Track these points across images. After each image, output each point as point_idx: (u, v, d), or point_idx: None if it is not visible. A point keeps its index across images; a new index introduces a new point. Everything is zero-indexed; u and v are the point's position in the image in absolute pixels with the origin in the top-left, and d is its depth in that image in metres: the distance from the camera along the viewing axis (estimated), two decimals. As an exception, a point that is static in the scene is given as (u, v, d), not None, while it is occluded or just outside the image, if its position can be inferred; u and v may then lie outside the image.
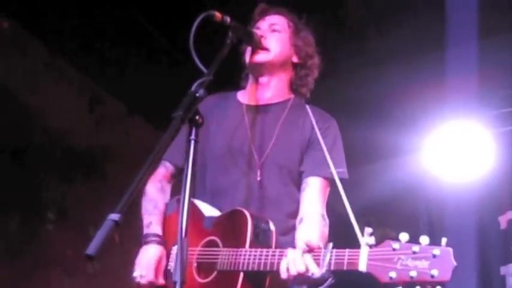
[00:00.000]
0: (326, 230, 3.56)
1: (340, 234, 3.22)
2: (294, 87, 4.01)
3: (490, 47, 6.24)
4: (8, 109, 6.20)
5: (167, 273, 3.59)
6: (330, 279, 3.03)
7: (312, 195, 3.64)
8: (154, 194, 3.87)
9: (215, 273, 3.39)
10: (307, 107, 3.89)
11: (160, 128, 3.72)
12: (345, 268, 2.90)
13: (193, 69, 3.22)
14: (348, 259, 2.90)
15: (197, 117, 2.87)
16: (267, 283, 3.32)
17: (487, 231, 6.86)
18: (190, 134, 2.86)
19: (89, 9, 6.30)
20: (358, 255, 2.85)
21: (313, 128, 3.76)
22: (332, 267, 2.96)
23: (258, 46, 3.79)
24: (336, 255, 2.96)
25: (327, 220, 3.60)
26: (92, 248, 2.32)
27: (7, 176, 6.10)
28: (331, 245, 3.03)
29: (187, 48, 3.34)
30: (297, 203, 3.70)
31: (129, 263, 3.79)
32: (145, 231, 3.74)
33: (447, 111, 6.94)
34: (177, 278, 2.61)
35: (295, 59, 3.98)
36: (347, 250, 2.93)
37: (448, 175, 7.17)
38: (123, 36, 6.65)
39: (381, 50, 6.57)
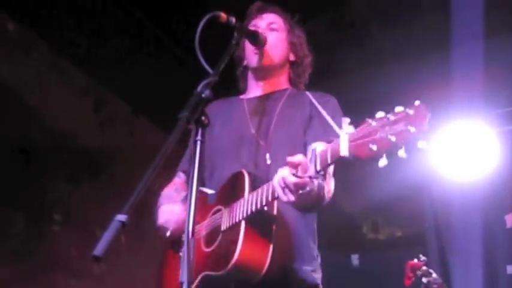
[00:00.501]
0: (330, 182, 3.56)
1: (344, 233, 3.22)
2: (292, 82, 4.07)
3: (495, 46, 6.24)
4: (13, 110, 6.20)
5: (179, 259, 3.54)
6: (320, 179, 3.08)
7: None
8: (169, 191, 3.94)
9: (220, 235, 3.40)
10: (307, 92, 3.85)
11: (166, 128, 3.73)
12: (329, 161, 2.85)
13: (199, 70, 3.23)
14: (331, 151, 2.85)
15: (203, 117, 2.88)
16: (273, 229, 3.32)
17: (493, 230, 6.85)
18: (196, 134, 2.87)
19: (93, 10, 6.30)
20: (338, 143, 2.79)
21: (311, 103, 3.70)
22: (318, 166, 2.91)
23: (262, 46, 3.81)
24: (320, 154, 2.92)
25: (332, 177, 3.59)
26: (99, 249, 2.33)
27: (13, 177, 6.10)
28: (315, 147, 3.06)
29: (192, 49, 3.34)
30: None
31: (136, 264, 3.80)
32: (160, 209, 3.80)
33: (452, 110, 6.93)
34: (184, 278, 2.62)
35: (292, 57, 4.05)
36: (329, 145, 2.89)
37: (453, 174, 7.18)
38: (128, 37, 6.66)
39: (385, 49, 6.57)
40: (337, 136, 3.11)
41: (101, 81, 7.03)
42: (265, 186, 3.21)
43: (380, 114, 2.69)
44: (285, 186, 3.05)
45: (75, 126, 6.79)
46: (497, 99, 6.87)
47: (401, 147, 2.58)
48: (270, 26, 3.97)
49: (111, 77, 6.93)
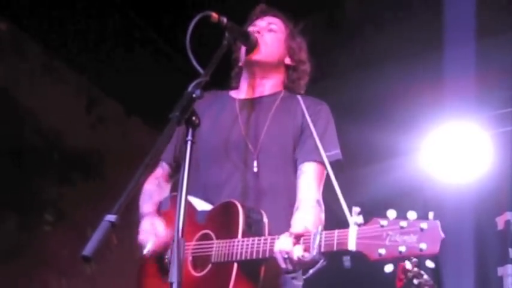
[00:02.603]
0: (321, 216, 3.56)
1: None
2: (285, 86, 4.05)
3: (487, 48, 6.24)
4: (4, 110, 6.19)
5: (166, 267, 3.56)
6: (321, 261, 3.04)
7: (307, 181, 3.65)
8: (151, 188, 3.90)
9: (210, 265, 3.40)
10: (298, 96, 3.93)
11: (158, 129, 3.72)
12: (335, 249, 2.93)
13: (191, 70, 3.23)
14: (338, 239, 2.92)
15: (194, 118, 2.89)
16: (262, 272, 3.33)
17: (485, 232, 6.86)
18: (187, 134, 2.88)
19: (86, 11, 6.30)
20: (347, 235, 2.87)
21: (303, 115, 3.80)
22: (322, 249, 2.98)
23: (254, 46, 3.81)
24: (326, 237, 2.99)
25: (323, 206, 3.61)
26: (88, 249, 2.33)
27: (5, 177, 6.09)
28: (320, 227, 3.07)
29: (184, 49, 3.34)
30: (295, 190, 3.70)
31: (127, 264, 3.80)
32: (142, 214, 3.78)
33: (445, 112, 6.94)
34: (173, 278, 2.61)
35: (287, 61, 4.04)
36: (336, 231, 2.95)
37: (445, 176, 7.18)
38: (121, 38, 6.65)
39: (378, 51, 6.57)
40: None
41: (93, 82, 7.02)
42: (262, 241, 3.25)
43: (391, 214, 2.78)
44: (288, 258, 3.11)
45: (67, 127, 6.78)
46: (490, 101, 6.88)
47: (409, 260, 2.73)
48: (269, 26, 3.99)
49: (103, 77, 6.93)
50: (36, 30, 6.40)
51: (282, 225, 3.47)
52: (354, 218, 2.88)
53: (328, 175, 3.57)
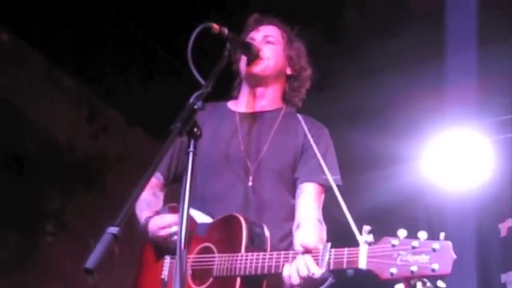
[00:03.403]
0: (324, 234, 3.57)
1: (339, 242, 3.21)
2: (286, 97, 4.05)
3: (489, 55, 6.24)
4: (6, 120, 6.20)
5: (162, 283, 3.57)
6: (330, 279, 3.03)
7: (308, 201, 3.66)
8: (147, 196, 3.87)
9: (211, 279, 3.39)
10: (299, 115, 3.94)
11: (160, 139, 3.73)
12: (344, 267, 2.93)
13: (193, 80, 3.23)
14: (348, 257, 2.93)
15: (195, 129, 2.88)
16: (264, 287, 3.33)
17: (487, 239, 6.84)
18: (188, 146, 2.88)
19: (87, 21, 6.31)
20: (357, 253, 2.88)
21: (305, 135, 3.81)
22: (331, 267, 2.99)
23: (255, 57, 3.80)
24: (335, 254, 2.99)
25: (324, 225, 3.62)
26: (91, 262, 2.32)
27: (7, 188, 6.10)
28: (329, 244, 3.06)
29: (186, 59, 3.34)
30: (290, 208, 3.72)
31: (129, 274, 3.80)
32: (142, 223, 3.72)
33: (446, 119, 6.94)
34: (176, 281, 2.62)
35: (288, 71, 4.03)
36: (346, 249, 2.95)
37: (447, 183, 7.17)
38: (122, 48, 6.66)
39: (380, 59, 6.57)
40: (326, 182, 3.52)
41: (94, 92, 7.03)
42: (268, 257, 3.24)
43: (402, 233, 2.80)
44: (298, 277, 3.09)
45: (69, 137, 6.79)
46: (492, 107, 6.87)
47: (420, 280, 2.72)
48: (267, 38, 3.96)
49: (105, 87, 6.93)
50: (37, 41, 6.41)
51: (280, 242, 3.53)
52: (364, 236, 2.89)
53: (333, 197, 3.55)
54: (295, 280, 3.11)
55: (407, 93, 6.69)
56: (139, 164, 3.92)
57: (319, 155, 3.70)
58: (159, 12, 6.33)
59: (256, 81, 3.94)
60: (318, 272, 3.02)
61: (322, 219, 3.63)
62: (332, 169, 3.71)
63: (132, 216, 3.61)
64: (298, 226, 3.59)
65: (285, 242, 3.63)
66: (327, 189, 3.69)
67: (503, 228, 6.81)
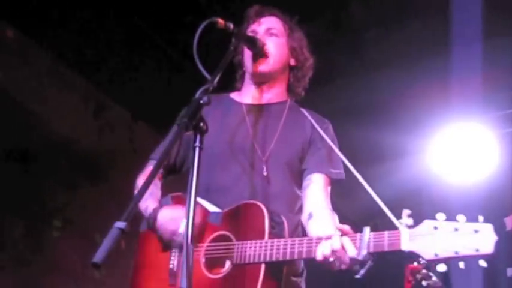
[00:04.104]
0: (338, 224, 3.50)
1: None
2: (291, 88, 4.04)
3: (494, 48, 6.24)
4: (12, 117, 6.21)
5: (170, 272, 3.49)
6: (369, 262, 3.04)
7: (318, 191, 3.68)
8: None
9: (230, 267, 3.35)
10: (303, 110, 3.94)
11: (165, 134, 3.73)
12: (386, 249, 2.94)
13: (198, 75, 3.23)
14: (389, 240, 2.94)
15: (201, 124, 2.88)
16: (284, 272, 3.34)
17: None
18: (195, 141, 2.87)
19: (92, 17, 6.31)
20: (399, 236, 2.91)
21: (313, 127, 3.82)
22: (372, 249, 2.98)
23: (260, 52, 3.80)
24: (375, 237, 2.99)
25: (336, 215, 3.61)
26: (98, 256, 2.33)
27: (12, 184, 6.11)
28: (368, 228, 3.06)
29: (191, 54, 3.34)
30: (297, 200, 3.74)
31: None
32: (146, 215, 3.63)
33: (451, 112, 6.94)
34: (183, 285, 2.61)
35: (292, 62, 4.00)
36: (386, 232, 2.97)
37: (453, 176, 7.18)
38: (127, 43, 6.66)
39: (385, 53, 6.57)
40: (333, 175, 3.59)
41: (100, 88, 7.04)
42: (297, 242, 3.21)
43: (441, 217, 2.85)
44: (336, 259, 3.07)
45: (75, 132, 6.80)
46: (497, 101, 6.87)
47: (463, 261, 2.81)
48: (270, 31, 3.91)
49: (110, 82, 6.94)
50: (43, 37, 6.41)
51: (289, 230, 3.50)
52: (405, 219, 2.92)
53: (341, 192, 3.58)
54: (333, 262, 3.10)
55: (413, 87, 6.70)
56: (145, 159, 3.92)
57: (326, 147, 3.73)
58: (165, 8, 6.34)
59: (262, 78, 3.92)
60: (353, 253, 3.02)
61: (332, 209, 3.64)
62: (337, 163, 3.74)
63: (140, 212, 3.61)
64: (310, 216, 3.59)
65: (295, 233, 3.64)
66: (333, 181, 3.72)
67: (508, 222, 6.80)
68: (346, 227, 3.14)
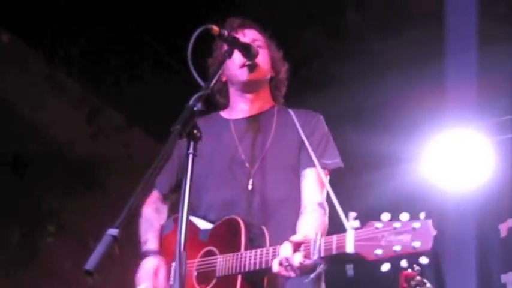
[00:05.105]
0: (324, 218, 3.65)
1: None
2: (273, 98, 4.11)
3: (489, 55, 6.25)
4: (7, 121, 6.21)
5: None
6: (321, 266, 3.18)
7: (308, 186, 3.76)
8: (150, 214, 3.99)
9: (214, 280, 3.50)
10: (290, 110, 3.99)
11: (160, 140, 3.74)
12: (334, 252, 3.06)
13: (194, 81, 3.24)
14: (336, 243, 3.05)
15: (195, 131, 2.89)
16: (265, 283, 3.43)
17: (488, 239, 6.85)
18: (188, 148, 2.88)
19: (88, 22, 6.31)
20: (345, 239, 3.00)
21: (298, 129, 3.86)
22: (322, 254, 3.10)
23: (253, 59, 3.81)
24: (325, 242, 3.11)
25: (326, 208, 3.68)
26: (90, 264, 2.34)
27: (7, 189, 6.11)
28: (319, 234, 3.19)
29: (186, 60, 3.35)
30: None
31: (129, 274, 3.84)
32: (143, 248, 3.87)
33: (447, 119, 6.95)
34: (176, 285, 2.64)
35: (272, 73, 4.08)
36: (335, 236, 3.08)
37: (447, 183, 7.18)
38: (123, 48, 6.66)
39: (380, 59, 6.58)
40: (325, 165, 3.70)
41: (94, 92, 7.04)
42: (264, 251, 3.34)
43: (385, 217, 2.93)
44: (288, 265, 3.20)
45: (70, 138, 6.80)
46: (492, 108, 6.88)
47: (404, 259, 2.84)
48: (255, 43, 3.96)
49: (105, 88, 6.94)
50: (37, 42, 6.42)
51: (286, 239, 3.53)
52: (351, 222, 2.99)
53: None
54: (282, 272, 3.24)
55: (408, 94, 6.70)
56: (140, 165, 3.94)
57: (316, 141, 3.81)
58: (160, 13, 6.34)
59: (253, 87, 3.98)
60: (308, 260, 3.15)
61: (323, 202, 3.69)
62: (330, 153, 3.84)
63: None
64: (301, 213, 3.67)
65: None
66: (331, 171, 3.79)
67: (503, 228, 6.82)
68: (300, 237, 3.26)
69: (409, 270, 6.19)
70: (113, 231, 2.40)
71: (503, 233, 6.81)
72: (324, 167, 3.74)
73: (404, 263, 2.83)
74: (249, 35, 4.00)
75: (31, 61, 6.51)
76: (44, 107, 6.58)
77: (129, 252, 3.75)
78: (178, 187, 3.97)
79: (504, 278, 6.63)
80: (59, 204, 6.62)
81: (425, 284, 5.87)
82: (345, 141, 4.36)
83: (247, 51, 3.77)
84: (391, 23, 6.35)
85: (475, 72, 6.26)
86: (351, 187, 3.84)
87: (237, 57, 3.81)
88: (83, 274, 2.35)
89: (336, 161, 3.82)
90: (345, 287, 3.99)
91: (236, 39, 3.64)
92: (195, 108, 2.94)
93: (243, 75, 3.90)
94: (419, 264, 2.86)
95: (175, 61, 6.72)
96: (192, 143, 2.88)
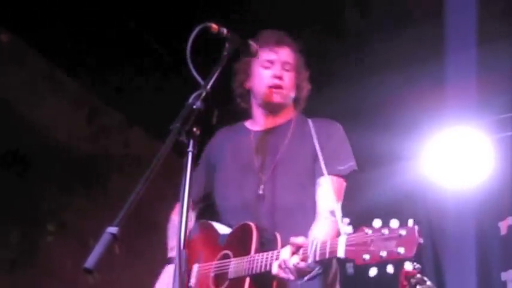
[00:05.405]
0: (334, 226, 3.65)
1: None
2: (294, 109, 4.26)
3: (488, 53, 6.25)
4: (7, 121, 6.20)
5: None
6: (316, 269, 3.34)
7: (322, 194, 3.86)
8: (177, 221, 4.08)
9: (227, 282, 3.70)
10: (309, 121, 4.12)
11: (160, 139, 3.74)
12: (327, 256, 3.20)
13: (194, 81, 3.24)
14: (330, 248, 3.20)
15: (194, 129, 2.90)
16: (274, 286, 3.57)
17: (488, 237, 6.84)
18: (187, 146, 2.89)
19: (87, 21, 6.30)
20: (337, 244, 3.13)
21: (314, 138, 3.98)
22: (317, 258, 3.24)
23: (254, 55, 3.82)
24: (320, 246, 3.26)
25: (336, 216, 3.67)
26: (90, 262, 2.34)
27: (7, 188, 6.11)
28: (316, 239, 3.35)
29: (185, 59, 3.35)
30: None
31: (130, 274, 3.88)
32: (169, 254, 4.03)
33: (446, 117, 6.94)
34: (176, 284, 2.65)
35: (295, 93, 4.21)
36: (329, 240, 3.25)
37: (447, 181, 7.17)
38: (122, 47, 6.65)
39: (380, 58, 6.57)
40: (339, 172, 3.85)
41: (94, 92, 7.03)
42: (270, 254, 3.51)
43: (376, 223, 3.04)
44: (286, 267, 3.37)
45: (70, 137, 6.80)
46: (492, 106, 6.87)
47: (389, 264, 2.96)
48: (284, 66, 4.12)
49: (105, 87, 6.93)
50: (37, 41, 6.41)
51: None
52: (344, 228, 3.14)
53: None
54: (281, 274, 3.41)
55: (407, 92, 6.70)
56: (140, 164, 3.96)
57: (330, 148, 3.92)
58: (159, 11, 6.33)
59: (275, 108, 4.16)
60: (302, 263, 3.31)
61: (335, 209, 3.71)
62: (345, 158, 3.95)
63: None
64: (314, 220, 3.79)
65: None
66: (346, 176, 3.91)
67: (503, 226, 6.81)
68: (300, 240, 3.41)
69: (410, 268, 6.19)
70: (112, 230, 2.41)
71: (503, 230, 6.80)
72: (338, 174, 3.87)
73: (390, 269, 2.94)
74: (281, 56, 4.14)
75: (30, 60, 6.51)
76: (43, 106, 6.58)
77: (130, 251, 3.77)
78: (206, 197, 4.26)
79: (504, 275, 6.62)
80: (59, 204, 6.61)
81: (425, 281, 5.87)
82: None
83: (246, 49, 3.77)
84: (391, 21, 6.35)
85: (474, 70, 6.26)
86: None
87: (266, 75, 4.07)
88: (83, 273, 2.35)
89: (351, 165, 3.94)
90: (345, 284, 4.04)
91: (234, 37, 3.64)
92: (194, 107, 2.95)
93: (268, 97, 4.11)
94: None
95: (175, 60, 6.71)
96: (191, 141, 2.89)
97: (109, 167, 7.07)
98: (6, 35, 6.28)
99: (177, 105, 3.07)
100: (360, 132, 6.46)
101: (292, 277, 3.38)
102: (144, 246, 6.09)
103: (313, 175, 3.92)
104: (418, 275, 5.94)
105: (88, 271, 2.34)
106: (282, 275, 3.40)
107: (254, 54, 3.80)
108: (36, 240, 6.40)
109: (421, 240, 2.95)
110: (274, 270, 3.41)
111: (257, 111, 4.23)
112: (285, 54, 4.15)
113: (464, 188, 7.04)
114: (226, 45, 3.56)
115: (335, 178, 3.87)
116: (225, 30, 3.52)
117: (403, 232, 2.94)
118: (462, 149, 7.10)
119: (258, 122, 4.22)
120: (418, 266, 6.12)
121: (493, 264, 6.77)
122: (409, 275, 5.94)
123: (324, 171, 3.85)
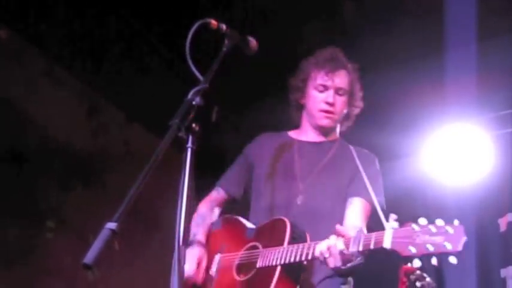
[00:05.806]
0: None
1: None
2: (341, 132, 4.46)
3: (488, 50, 6.25)
4: (6, 118, 6.20)
5: (208, 277, 4.06)
6: (358, 259, 3.51)
7: (354, 212, 4.06)
8: (204, 211, 4.37)
9: (254, 270, 3.84)
10: (351, 147, 4.30)
11: (159, 136, 3.73)
12: (372, 247, 3.33)
13: (193, 77, 3.24)
14: (375, 239, 3.33)
15: (193, 125, 2.89)
16: (301, 277, 3.75)
17: (487, 234, 6.83)
18: (187, 141, 2.89)
19: (87, 18, 6.31)
20: (383, 235, 3.28)
21: (356, 163, 4.17)
22: (361, 248, 3.39)
23: (253, 51, 3.80)
24: (365, 237, 3.40)
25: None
26: (89, 258, 2.34)
27: (6, 185, 6.11)
28: (360, 229, 3.53)
29: (185, 55, 3.35)
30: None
31: (130, 271, 3.87)
32: (191, 238, 4.14)
33: (446, 113, 6.93)
34: (174, 285, 2.63)
35: (348, 110, 4.39)
36: (374, 233, 3.38)
37: (447, 178, 7.17)
38: (122, 44, 6.65)
39: (379, 55, 6.57)
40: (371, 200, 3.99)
41: (94, 89, 7.03)
42: (306, 245, 3.65)
43: (423, 221, 3.19)
44: (331, 253, 3.49)
45: (69, 134, 6.80)
46: (492, 102, 6.87)
47: (435, 257, 3.13)
48: (338, 91, 4.26)
49: (105, 84, 6.93)
50: (36, 38, 6.40)
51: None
52: (391, 223, 3.27)
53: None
54: (322, 257, 3.52)
55: (407, 88, 6.70)
56: (139, 161, 3.93)
57: (366, 179, 4.06)
58: (159, 8, 6.33)
59: (324, 130, 4.33)
60: (347, 251, 3.44)
61: (365, 230, 3.81)
62: (379, 191, 4.11)
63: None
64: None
65: None
66: (372, 209, 4.02)
67: (502, 223, 6.80)
68: (345, 229, 3.59)
69: (409, 264, 6.19)
70: (111, 225, 2.41)
71: (502, 227, 6.80)
72: (370, 200, 4.02)
73: (434, 261, 3.12)
74: (336, 81, 4.28)
75: (29, 56, 6.51)
76: (42, 103, 6.58)
77: (130, 249, 3.76)
78: (243, 195, 4.45)
79: (504, 272, 6.62)
80: (59, 200, 6.62)
81: (425, 278, 5.86)
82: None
83: (245, 44, 3.76)
84: (390, 18, 6.34)
85: (474, 66, 6.26)
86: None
87: (319, 100, 4.24)
88: (82, 269, 2.35)
89: (380, 200, 4.06)
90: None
91: (233, 34, 3.63)
92: (193, 102, 2.95)
93: (319, 119, 4.28)
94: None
95: (174, 56, 6.71)
96: (190, 137, 2.88)
97: (109, 164, 7.08)
98: (5, 32, 6.27)
99: (177, 101, 3.06)
100: (359, 128, 6.45)
101: (331, 263, 3.49)
102: (144, 242, 6.09)
103: (345, 194, 4.10)
104: (418, 272, 5.94)
105: (87, 267, 2.33)
106: (323, 259, 3.51)
107: (253, 50, 3.79)
108: (35, 237, 6.40)
109: (466, 238, 3.09)
110: (317, 252, 3.53)
111: (306, 124, 4.39)
112: (339, 80, 4.29)
113: (464, 185, 7.03)
114: (226, 41, 3.56)
115: (365, 203, 4.06)
116: (224, 26, 3.53)
117: (450, 229, 3.09)
118: (462, 146, 7.09)
119: (304, 134, 4.39)
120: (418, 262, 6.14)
121: (492, 261, 6.77)
122: (408, 272, 5.94)
123: (357, 192, 4.07)
